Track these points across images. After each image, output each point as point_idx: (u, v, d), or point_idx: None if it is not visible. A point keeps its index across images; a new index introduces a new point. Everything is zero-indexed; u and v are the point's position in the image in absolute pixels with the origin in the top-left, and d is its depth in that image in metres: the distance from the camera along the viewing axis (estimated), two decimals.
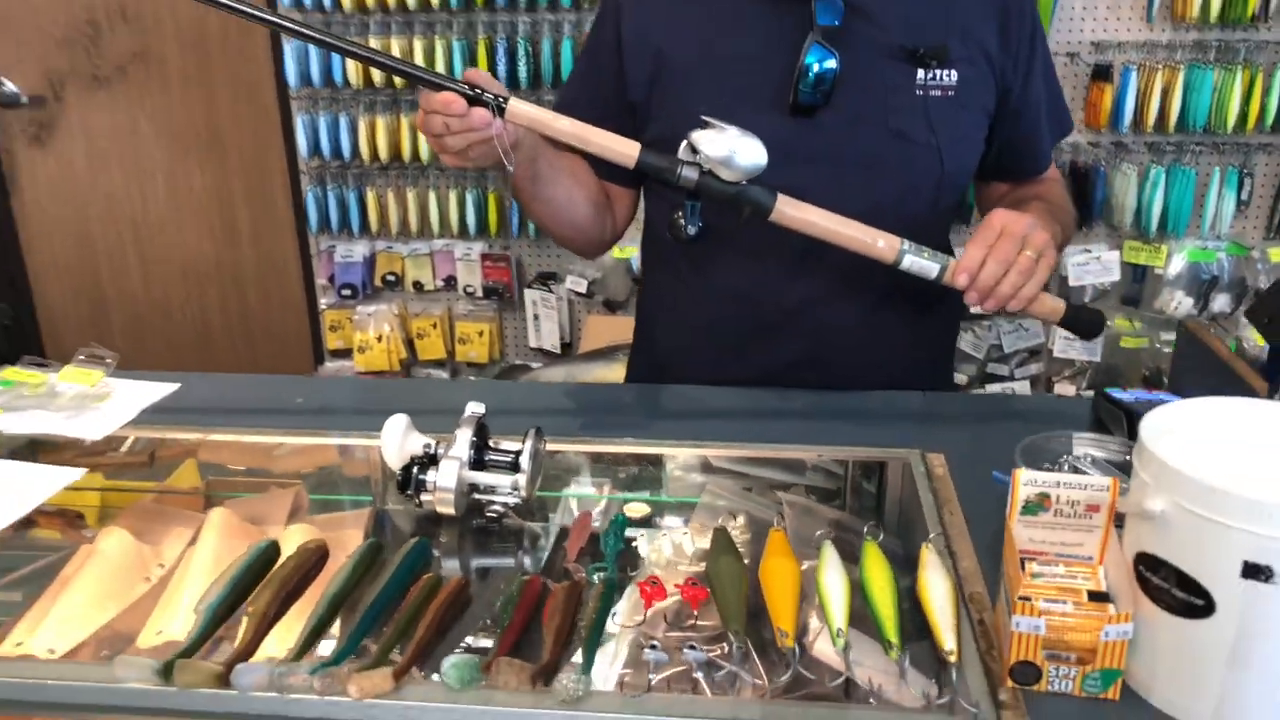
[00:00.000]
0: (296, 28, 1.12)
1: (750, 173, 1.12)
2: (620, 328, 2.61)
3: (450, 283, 3.02)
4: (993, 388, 2.97)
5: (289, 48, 2.80)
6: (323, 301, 3.13)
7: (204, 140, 3.22)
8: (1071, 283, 2.85)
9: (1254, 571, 0.71)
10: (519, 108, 1.12)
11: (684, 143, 1.14)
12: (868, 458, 1.21)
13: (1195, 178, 2.73)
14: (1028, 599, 0.80)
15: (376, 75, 2.77)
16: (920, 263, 1.17)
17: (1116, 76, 2.69)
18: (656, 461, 1.29)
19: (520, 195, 1.30)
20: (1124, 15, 2.68)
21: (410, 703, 0.81)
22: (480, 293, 3.01)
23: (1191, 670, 0.76)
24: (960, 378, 2.97)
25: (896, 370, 1.40)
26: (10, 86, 3.21)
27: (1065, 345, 2.94)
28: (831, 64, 1.25)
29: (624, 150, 1.14)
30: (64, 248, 3.39)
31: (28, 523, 1.20)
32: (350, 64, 2.77)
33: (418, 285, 3.05)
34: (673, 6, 1.34)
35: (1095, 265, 2.84)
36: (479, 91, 1.09)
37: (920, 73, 1.29)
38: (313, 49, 2.77)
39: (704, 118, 1.13)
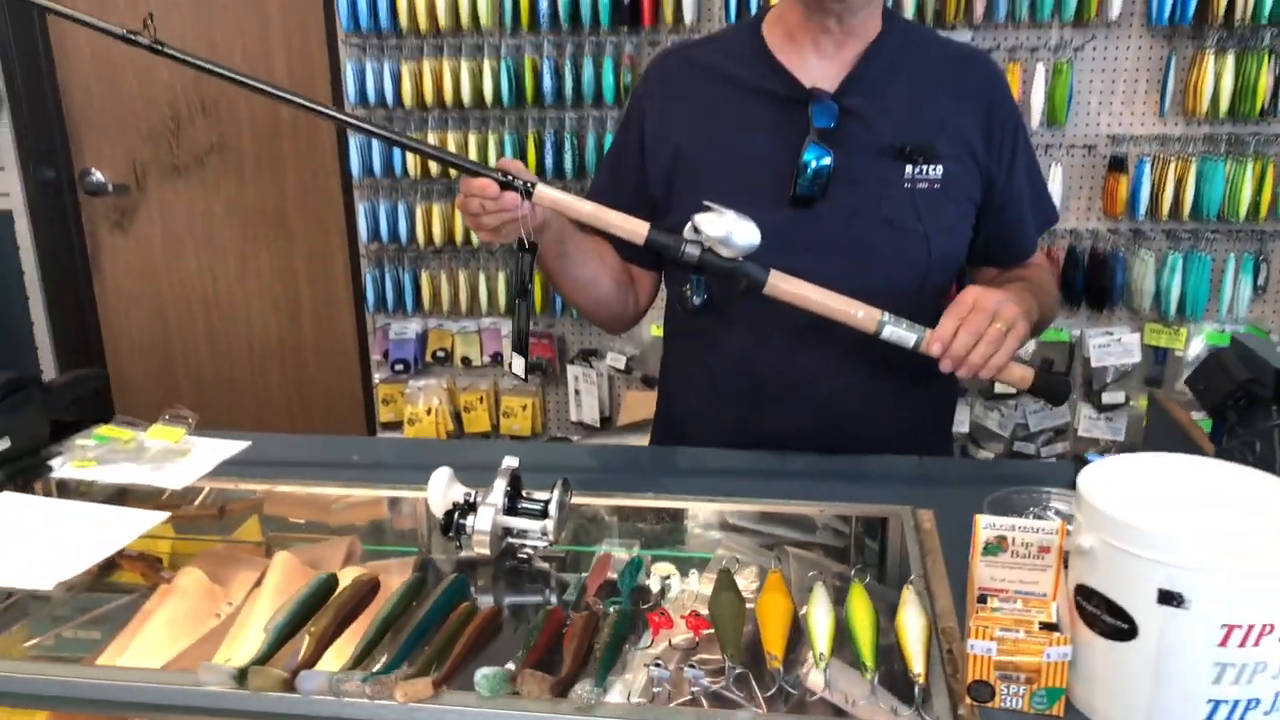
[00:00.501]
0: (348, 120, 1.32)
1: (745, 250, 1.28)
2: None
3: (497, 358, 3.20)
4: None
5: (354, 141, 3.03)
6: (377, 376, 3.31)
7: (272, 225, 3.46)
8: (1094, 364, 2.95)
9: (1167, 598, 0.83)
10: (545, 192, 1.28)
11: (688, 224, 1.30)
12: (864, 513, 1.33)
13: (1211, 264, 2.84)
14: (983, 625, 0.91)
15: (433, 166, 2.98)
16: (899, 333, 1.30)
17: (1131, 167, 2.82)
18: (676, 516, 1.42)
19: (549, 273, 1.46)
20: (1138, 110, 2.83)
21: (448, 707, 0.94)
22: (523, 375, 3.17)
23: (1122, 687, 0.87)
24: (987, 455, 3.06)
25: (894, 437, 1.52)
26: (98, 176, 3.49)
27: (1090, 424, 3.02)
28: (827, 161, 1.41)
29: (636, 229, 1.31)
30: (139, 323, 3.63)
31: (112, 565, 1.36)
32: (409, 155, 2.99)
33: (466, 361, 3.22)
34: (689, 111, 1.51)
35: (1117, 347, 2.94)
36: (510, 178, 1.26)
37: (908, 168, 1.44)
38: (375, 142, 3.00)
39: (705, 202, 1.29)
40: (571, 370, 3.15)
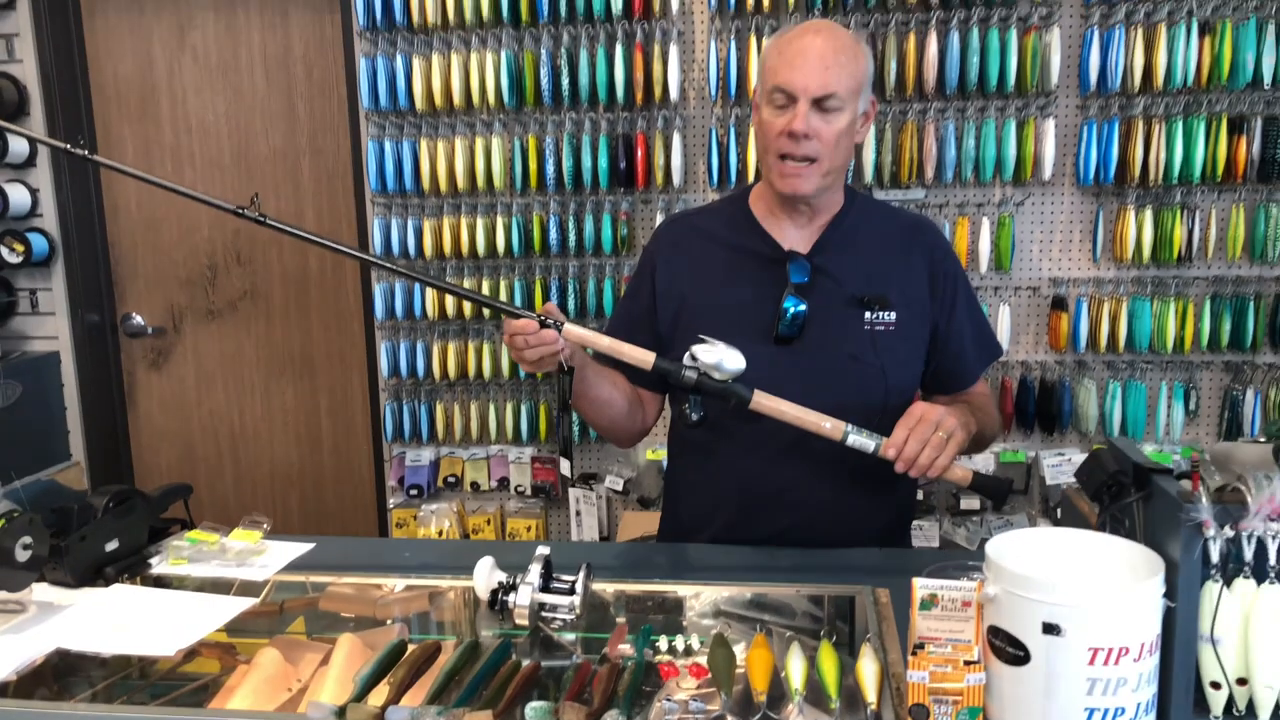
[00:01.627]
0: (437, 283, 1.64)
1: (733, 374, 1.59)
2: (651, 522, 3.02)
3: (503, 483, 3.48)
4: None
5: (378, 288, 3.38)
6: (391, 500, 3.58)
7: (297, 363, 3.78)
8: (1049, 482, 3.25)
9: (1049, 629, 1.11)
10: (572, 329, 1.61)
11: (687, 353, 1.61)
12: (831, 593, 1.61)
13: (1146, 391, 3.17)
14: (920, 662, 1.19)
15: (450, 308, 3.33)
16: (861, 440, 1.60)
17: (1071, 306, 3.19)
18: (677, 606, 1.69)
19: (573, 395, 1.77)
20: (1074, 256, 3.21)
21: None
22: (529, 491, 3.46)
23: (1023, 703, 1.15)
24: None
25: (863, 534, 1.81)
26: (138, 320, 3.82)
27: None
28: (802, 308, 1.75)
29: (645, 358, 1.63)
30: (169, 456, 3.91)
31: (192, 653, 1.61)
32: (429, 298, 3.33)
33: (475, 485, 3.50)
34: (691, 268, 1.86)
35: (1068, 466, 3.24)
36: (544, 318, 1.58)
37: (867, 314, 1.78)
38: (398, 288, 3.35)
39: (700, 335, 1.60)
40: (573, 493, 3.43)
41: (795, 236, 1.83)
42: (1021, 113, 3.10)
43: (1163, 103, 3.02)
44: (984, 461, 3.24)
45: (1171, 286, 3.12)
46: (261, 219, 1.62)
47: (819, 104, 1.70)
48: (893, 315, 1.80)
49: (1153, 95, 3.02)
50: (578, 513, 3.43)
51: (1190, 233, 3.05)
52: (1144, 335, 3.11)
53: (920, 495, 3.23)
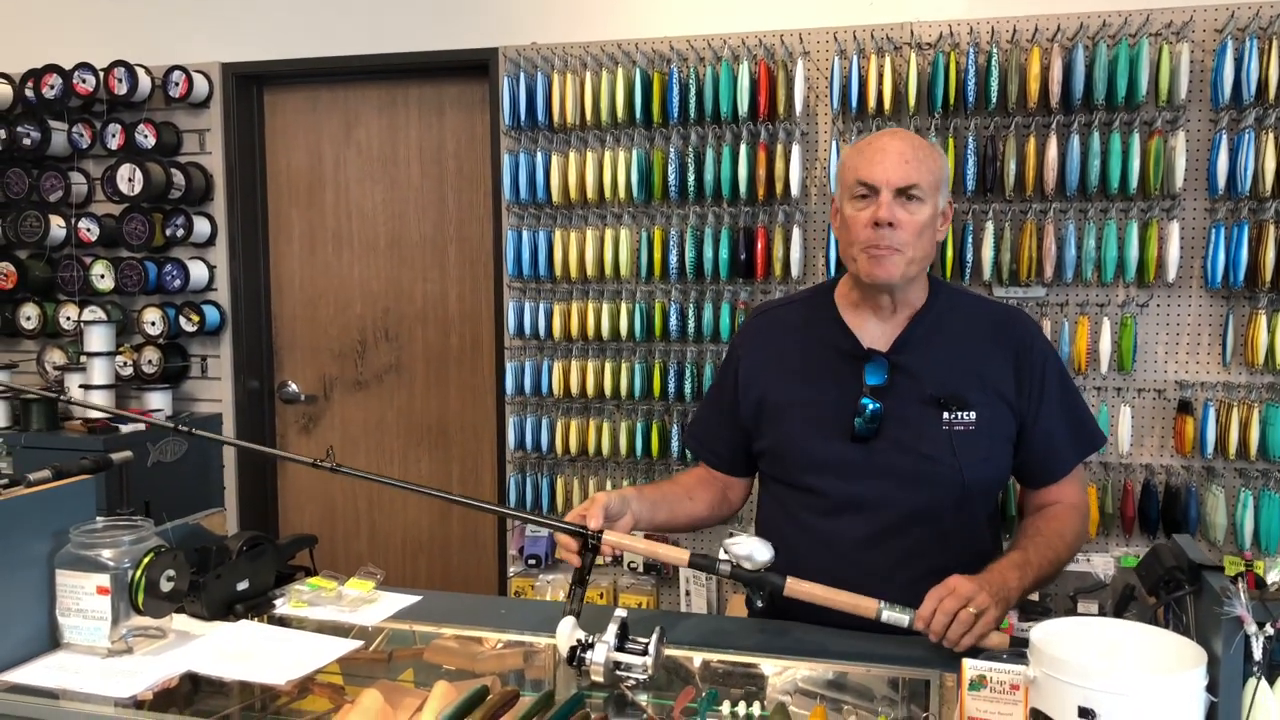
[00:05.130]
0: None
1: (764, 564, 1.64)
2: None
3: (617, 559, 3.58)
4: None
5: (510, 365, 3.59)
6: (512, 569, 3.73)
7: (434, 434, 4.02)
8: None
9: (1084, 713, 1.14)
10: (610, 538, 1.67)
11: (720, 549, 1.66)
12: (906, 675, 1.64)
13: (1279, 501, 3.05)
14: None
15: (574, 383, 3.49)
16: (894, 615, 1.64)
17: (1198, 410, 3.11)
18: (758, 678, 1.75)
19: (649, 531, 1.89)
20: (1202, 359, 3.14)
21: None
22: (642, 569, 3.55)
23: None
24: None
25: None
26: (293, 387, 4.14)
27: None
28: (878, 408, 1.80)
29: (680, 556, 1.69)
30: (311, 516, 4.18)
31: (305, 690, 1.77)
32: (555, 376, 3.51)
33: None
34: (773, 362, 1.95)
35: None
36: (583, 530, 1.67)
37: (945, 414, 1.82)
38: (527, 365, 3.55)
39: (730, 530, 1.67)
40: (683, 572, 3.50)
41: (877, 332, 1.87)
42: (1145, 215, 3.09)
43: None
44: (1103, 565, 3.16)
45: None
46: (336, 468, 1.80)
47: (901, 194, 1.77)
48: (972, 415, 1.82)
49: None
50: (687, 593, 3.50)
51: None
52: (1277, 444, 3.01)
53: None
